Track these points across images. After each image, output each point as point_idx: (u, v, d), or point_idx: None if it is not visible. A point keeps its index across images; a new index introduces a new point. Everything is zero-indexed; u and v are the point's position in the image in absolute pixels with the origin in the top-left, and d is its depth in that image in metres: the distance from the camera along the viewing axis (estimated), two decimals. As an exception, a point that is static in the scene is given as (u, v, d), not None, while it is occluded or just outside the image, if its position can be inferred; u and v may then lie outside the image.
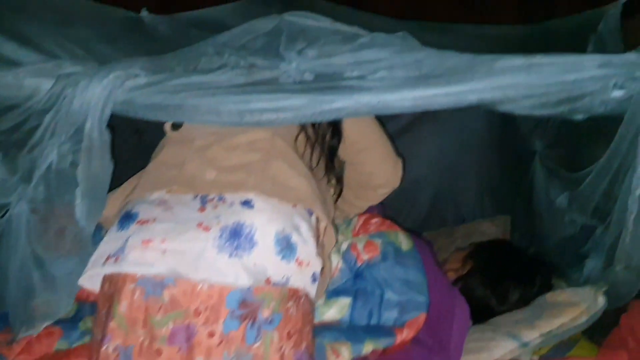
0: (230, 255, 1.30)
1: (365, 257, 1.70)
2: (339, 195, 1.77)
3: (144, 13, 2.04)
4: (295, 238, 1.38)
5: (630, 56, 1.26)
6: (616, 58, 1.26)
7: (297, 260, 1.36)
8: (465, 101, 1.26)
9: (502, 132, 2.72)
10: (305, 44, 1.42)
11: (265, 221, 1.36)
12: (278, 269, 1.33)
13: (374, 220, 1.86)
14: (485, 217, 2.87)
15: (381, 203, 1.96)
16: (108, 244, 1.38)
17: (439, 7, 3.21)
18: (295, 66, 1.36)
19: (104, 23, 1.89)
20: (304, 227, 1.42)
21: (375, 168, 1.74)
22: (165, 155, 1.53)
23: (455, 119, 2.77)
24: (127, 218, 1.40)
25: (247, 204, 1.38)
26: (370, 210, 1.97)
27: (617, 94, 1.27)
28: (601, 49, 1.71)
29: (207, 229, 1.33)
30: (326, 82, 1.34)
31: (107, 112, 1.32)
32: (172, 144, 1.54)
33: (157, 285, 1.28)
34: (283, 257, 1.34)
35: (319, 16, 1.56)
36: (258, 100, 1.29)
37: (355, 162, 1.72)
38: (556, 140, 2.14)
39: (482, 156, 2.87)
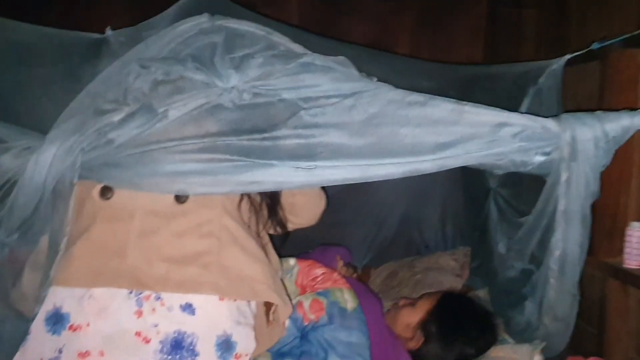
0: None
1: (311, 316, 1.76)
2: (285, 239, 1.70)
3: (109, 32, 1.94)
4: (235, 336, 1.38)
5: (551, 124, 1.33)
6: (539, 121, 1.32)
7: (235, 355, 1.37)
8: (396, 142, 1.33)
9: (464, 167, 2.80)
10: (242, 53, 1.38)
11: (206, 329, 1.34)
12: None
13: (319, 273, 1.89)
14: (448, 244, 2.99)
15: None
16: (38, 346, 1.31)
17: (406, 39, 3.27)
18: (233, 86, 1.33)
19: (67, 52, 1.82)
20: (247, 315, 1.42)
21: (302, 212, 1.68)
22: (98, 235, 1.36)
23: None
24: (56, 319, 1.32)
25: (188, 308, 1.33)
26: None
27: (539, 159, 1.35)
28: (538, 103, 1.78)
29: (146, 340, 1.29)
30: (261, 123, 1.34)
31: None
32: (105, 219, 1.37)
33: None
34: (221, 358, 1.35)
35: (254, 24, 1.48)
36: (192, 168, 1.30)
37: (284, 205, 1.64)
38: (507, 180, 2.23)
39: (447, 187, 2.97)
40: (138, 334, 1.30)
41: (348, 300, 1.81)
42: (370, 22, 3.30)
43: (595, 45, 1.91)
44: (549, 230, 1.59)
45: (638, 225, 1.96)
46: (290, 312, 1.59)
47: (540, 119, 1.38)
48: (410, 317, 1.98)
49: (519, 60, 3.07)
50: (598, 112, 1.38)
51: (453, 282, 2.54)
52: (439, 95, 1.39)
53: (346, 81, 1.40)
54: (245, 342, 1.39)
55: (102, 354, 1.28)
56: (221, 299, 1.36)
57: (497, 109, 1.37)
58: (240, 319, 1.40)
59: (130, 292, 1.32)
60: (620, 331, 2.08)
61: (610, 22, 2.34)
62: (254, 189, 1.39)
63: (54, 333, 1.31)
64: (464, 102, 1.36)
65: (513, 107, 1.92)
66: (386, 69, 2.27)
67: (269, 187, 1.40)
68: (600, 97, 2.18)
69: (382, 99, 1.39)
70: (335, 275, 1.88)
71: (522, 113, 1.41)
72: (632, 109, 2.05)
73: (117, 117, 1.30)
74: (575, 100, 2.40)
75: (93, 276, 1.33)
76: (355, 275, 2.29)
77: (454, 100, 1.37)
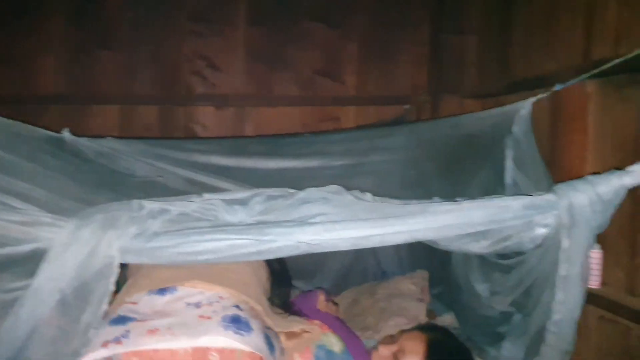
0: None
1: None
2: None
3: (66, 133, 2.09)
4: None
5: (548, 197, 1.39)
6: (537, 199, 1.38)
7: None
8: (402, 239, 1.34)
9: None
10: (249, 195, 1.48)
11: None
12: None
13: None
14: (404, 269, 3.02)
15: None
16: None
17: (353, 68, 3.33)
18: (240, 220, 1.39)
19: (23, 147, 1.86)
20: None
21: None
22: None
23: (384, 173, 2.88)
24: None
25: None
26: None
27: (541, 231, 1.40)
28: (517, 149, 1.85)
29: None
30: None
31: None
32: None
33: None
34: None
35: None
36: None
37: None
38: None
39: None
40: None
41: (334, 343, 1.81)
42: (316, 51, 3.33)
43: (557, 87, 2.01)
44: (538, 283, 1.65)
45: (597, 247, 2.06)
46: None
47: (537, 197, 1.44)
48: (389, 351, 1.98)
49: (463, 86, 3.20)
50: (589, 177, 1.45)
51: (417, 308, 2.57)
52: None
53: (347, 206, 1.47)
54: None
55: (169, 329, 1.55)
56: None
57: (492, 198, 1.41)
58: None
59: None
60: (582, 349, 2.18)
61: (555, 51, 2.47)
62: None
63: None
64: (459, 201, 1.40)
65: (497, 159, 2.03)
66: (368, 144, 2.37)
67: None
68: (552, 126, 2.29)
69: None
70: (317, 322, 1.89)
71: (516, 195, 1.46)
72: (583, 137, 2.22)
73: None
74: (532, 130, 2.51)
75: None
76: (336, 309, 2.29)
77: (449, 201, 1.43)
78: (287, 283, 2.19)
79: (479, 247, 1.46)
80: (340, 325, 2.05)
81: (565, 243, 1.42)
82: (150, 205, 1.40)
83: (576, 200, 1.37)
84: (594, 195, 1.37)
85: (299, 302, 2.36)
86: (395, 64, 3.34)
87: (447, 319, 2.49)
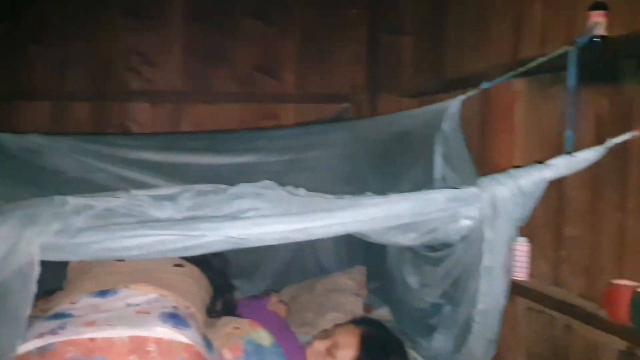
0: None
1: (228, 356, 1.75)
2: None
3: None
4: None
5: (472, 190, 1.43)
6: (461, 192, 1.42)
7: None
8: (332, 232, 1.35)
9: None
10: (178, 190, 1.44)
11: None
12: None
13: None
14: (343, 265, 3.04)
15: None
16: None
17: (292, 64, 3.34)
18: (168, 216, 1.37)
19: None
20: None
21: None
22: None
23: (321, 169, 2.89)
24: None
25: None
26: None
27: (465, 223, 1.44)
28: (446, 145, 1.90)
29: None
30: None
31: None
32: None
33: None
34: None
35: None
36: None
37: None
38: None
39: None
40: None
41: (264, 337, 1.83)
42: (255, 47, 3.32)
43: (484, 85, 2.07)
44: (464, 274, 1.69)
45: (524, 239, 2.14)
46: None
47: (461, 190, 1.48)
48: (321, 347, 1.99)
49: (400, 85, 3.25)
50: (511, 171, 1.49)
51: (354, 302, 2.60)
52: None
53: (279, 201, 1.46)
54: None
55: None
56: None
57: (420, 192, 1.45)
58: None
59: None
60: (510, 339, 2.26)
61: (485, 52, 2.55)
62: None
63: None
64: (387, 196, 1.43)
65: (428, 155, 2.07)
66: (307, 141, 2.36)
67: None
68: (482, 123, 2.37)
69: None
70: (249, 320, 1.91)
71: (441, 189, 1.49)
72: (510, 135, 2.29)
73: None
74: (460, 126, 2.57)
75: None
76: (285, 308, 2.33)
77: (376, 196, 1.44)
78: (230, 292, 2.19)
79: (408, 239, 1.49)
80: (277, 323, 2.06)
81: (488, 234, 1.46)
82: (73, 200, 1.36)
83: (498, 193, 1.42)
84: (516, 188, 1.41)
85: (248, 302, 2.41)
86: (334, 62, 3.37)
87: (382, 313, 2.53)
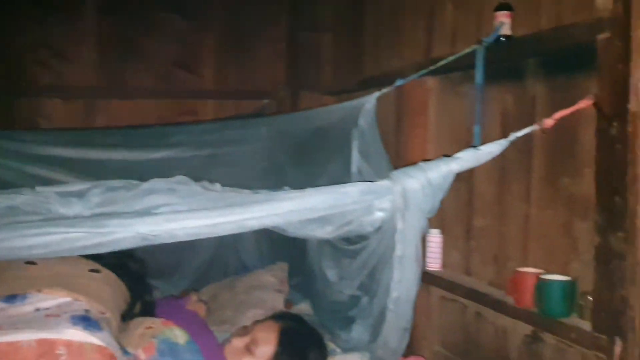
0: None
1: (142, 357, 1.71)
2: None
3: None
4: None
5: (384, 183, 1.47)
6: (374, 185, 1.46)
7: None
8: (246, 227, 1.35)
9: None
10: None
11: None
12: None
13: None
14: (265, 262, 3.04)
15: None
16: None
17: (211, 60, 3.30)
18: (76, 213, 1.32)
19: None
20: None
21: None
22: None
23: (239, 164, 2.87)
24: None
25: None
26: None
27: (379, 215, 1.47)
28: (363, 140, 1.94)
29: None
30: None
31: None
32: None
33: None
34: None
35: None
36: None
37: None
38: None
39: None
40: None
41: (179, 335, 1.80)
42: (172, 42, 3.25)
43: (398, 82, 2.12)
44: (379, 265, 1.74)
45: (436, 231, 2.22)
46: None
47: (374, 183, 1.52)
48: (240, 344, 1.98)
49: (320, 82, 3.29)
50: (421, 164, 1.55)
51: (275, 299, 2.60)
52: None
53: (193, 196, 1.45)
54: None
55: None
56: None
57: (335, 186, 1.47)
58: None
59: None
60: (426, 328, 2.33)
61: (400, 50, 2.62)
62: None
63: None
64: (301, 190, 1.44)
65: (345, 150, 2.11)
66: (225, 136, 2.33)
67: None
68: (397, 119, 2.43)
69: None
70: (163, 319, 1.87)
71: (355, 182, 1.53)
72: (424, 131, 2.37)
73: None
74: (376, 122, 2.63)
75: None
76: (205, 308, 2.31)
77: (291, 190, 1.46)
78: (148, 295, 2.14)
79: (324, 232, 1.51)
80: (195, 322, 2.04)
81: (399, 225, 1.51)
82: (-28, 199, 1.29)
83: (409, 185, 1.47)
84: (425, 181, 1.47)
85: (167, 302, 2.36)
86: (254, 58, 3.35)
87: (303, 308, 2.55)
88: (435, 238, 2.23)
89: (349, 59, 3.15)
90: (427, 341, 2.34)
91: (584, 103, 1.40)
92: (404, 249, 1.54)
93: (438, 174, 1.47)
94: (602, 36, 1.48)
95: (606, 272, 1.46)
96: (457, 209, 2.22)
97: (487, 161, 2.01)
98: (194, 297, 2.35)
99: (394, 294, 1.61)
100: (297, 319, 2.08)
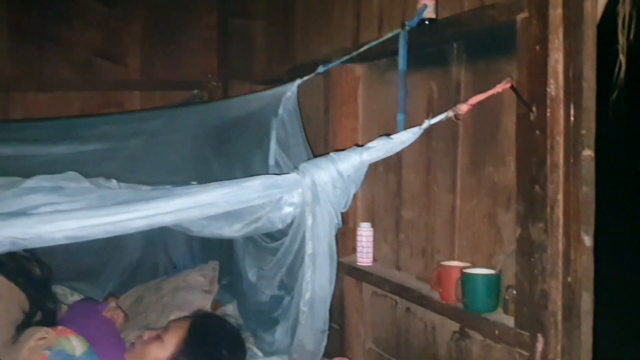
0: None
1: None
2: None
3: None
4: None
5: (292, 176, 1.36)
6: (280, 178, 1.35)
7: None
8: (135, 227, 1.22)
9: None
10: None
11: None
12: None
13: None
14: (196, 260, 2.91)
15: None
16: None
17: (137, 49, 3.13)
18: None
19: None
20: None
21: None
22: None
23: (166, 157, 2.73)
24: None
25: None
26: None
27: (288, 210, 1.37)
28: (283, 130, 1.83)
29: None
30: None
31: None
32: None
33: None
34: None
35: None
36: None
37: None
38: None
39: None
40: None
41: (76, 346, 1.68)
42: (96, 30, 3.06)
43: (320, 69, 2.02)
44: (296, 263, 1.64)
45: (366, 225, 2.13)
46: None
47: (281, 176, 1.42)
48: (160, 353, 1.86)
49: (252, 72, 3.17)
50: (332, 154, 1.45)
51: (202, 300, 2.47)
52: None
53: (82, 194, 1.33)
54: None
55: None
56: None
57: (237, 180, 1.36)
58: None
59: None
60: (358, 324, 2.25)
61: (330, 37, 2.52)
62: None
63: None
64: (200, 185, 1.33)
65: (265, 140, 2.00)
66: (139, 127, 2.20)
67: None
68: (325, 109, 2.33)
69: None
70: (59, 327, 1.74)
71: (260, 175, 1.40)
72: (354, 120, 2.28)
73: None
74: (304, 112, 2.52)
75: None
76: (122, 315, 2.21)
77: (189, 185, 1.35)
78: (51, 302, 1.99)
79: (232, 230, 1.40)
80: (106, 331, 1.92)
81: (309, 220, 1.41)
82: None
83: (318, 178, 1.36)
84: (335, 172, 1.37)
85: (82, 305, 2.26)
86: (183, 47, 3.19)
87: (229, 309, 2.43)
88: (365, 232, 2.14)
89: (281, 47, 3.04)
90: (360, 338, 2.26)
91: (500, 87, 1.32)
92: (316, 246, 1.44)
93: (349, 164, 1.37)
94: (521, 16, 1.40)
95: (527, 265, 1.39)
96: (386, 201, 2.13)
97: (414, 151, 1.96)
98: (112, 304, 2.22)
99: (306, 294, 1.50)
100: (215, 318, 1.99)
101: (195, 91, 3.10)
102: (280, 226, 1.43)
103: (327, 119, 2.31)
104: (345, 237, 2.27)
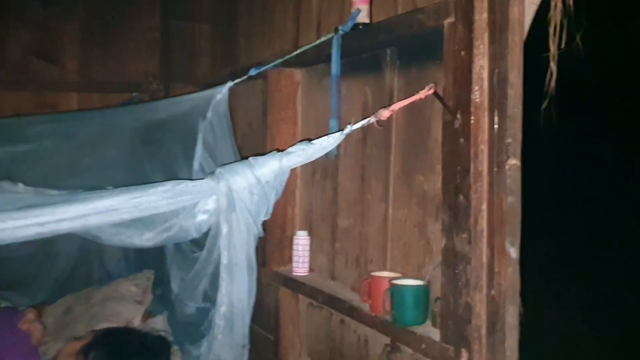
0: None
1: None
2: None
3: None
4: None
5: (205, 182, 1.29)
6: (193, 184, 1.27)
7: None
8: (26, 235, 1.13)
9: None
10: None
11: None
12: None
13: None
14: (131, 269, 2.80)
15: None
16: None
17: (75, 50, 3.02)
18: None
19: None
20: None
21: None
22: None
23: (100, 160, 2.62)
24: None
25: None
26: None
27: (203, 217, 1.29)
28: (211, 134, 1.76)
29: None
30: None
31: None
32: None
33: None
34: None
35: None
36: None
37: None
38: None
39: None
40: None
41: None
42: (31, 29, 2.94)
43: (252, 72, 1.96)
44: (217, 274, 1.56)
45: (303, 233, 2.07)
46: None
47: (194, 181, 1.34)
48: (73, 346, 1.80)
49: (195, 75, 3.08)
50: (250, 159, 1.38)
51: (133, 311, 2.37)
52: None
53: None
54: None
55: None
56: None
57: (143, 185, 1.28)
58: None
59: None
60: (294, 336, 2.18)
61: (271, 40, 2.47)
62: None
63: None
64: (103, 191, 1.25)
65: (191, 144, 1.92)
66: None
67: None
68: (264, 114, 2.27)
69: None
70: None
71: (170, 181, 1.33)
72: (293, 126, 2.23)
73: None
74: (247, 116, 2.46)
75: None
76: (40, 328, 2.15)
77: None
78: None
79: (143, 239, 1.32)
80: (18, 344, 1.81)
81: (224, 229, 1.34)
82: None
83: (234, 184, 1.29)
84: (252, 178, 1.30)
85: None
86: (124, 49, 3.09)
87: (159, 320, 2.33)
88: (302, 240, 2.08)
89: (224, 50, 2.98)
90: (295, 351, 2.19)
91: (423, 93, 1.28)
92: (232, 256, 1.37)
93: (268, 170, 1.30)
94: (447, 21, 1.37)
95: (452, 277, 1.35)
96: (323, 209, 2.08)
97: (350, 158, 1.91)
98: (30, 315, 2.11)
99: (221, 307, 1.42)
100: (131, 331, 1.91)
101: (135, 94, 2.99)
102: (195, 235, 1.36)
103: (265, 124, 2.24)
104: (282, 246, 2.21)
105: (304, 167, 2.14)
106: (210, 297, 1.70)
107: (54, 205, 1.14)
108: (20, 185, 1.31)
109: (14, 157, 1.93)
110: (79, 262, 2.79)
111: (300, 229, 2.13)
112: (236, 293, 1.42)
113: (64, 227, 1.17)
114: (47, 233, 1.17)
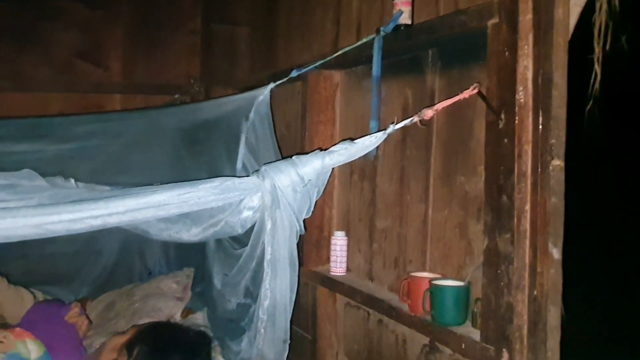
0: None
1: None
2: None
3: None
4: None
5: (251, 179, 1.32)
6: (239, 181, 1.30)
7: None
8: (80, 227, 1.18)
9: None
10: None
11: None
12: None
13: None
14: (171, 267, 2.87)
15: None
16: None
17: (119, 53, 3.10)
18: None
19: None
20: None
21: None
22: None
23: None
24: None
25: None
26: None
27: (248, 213, 1.32)
28: (253, 134, 1.79)
29: None
30: None
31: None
32: None
33: None
34: None
35: None
36: None
37: None
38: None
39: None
40: None
41: (32, 350, 1.65)
42: (77, 32, 3.02)
43: (294, 73, 1.99)
44: (260, 270, 1.59)
45: (341, 234, 2.09)
46: None
47: (240, 179, 1.37)
48: (117, 341, 1.85)
49: (235, 77, 3.13)
50: (294, 158, 1.40)
51: (173, 307, 2.42)
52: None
53: (30, 192, 1.28)
54: None
55: None
56: None
57: (192, 182, 1.32)
58: None
59: None
60: (331, 336, 2.20)
61: (311, 43, 2.49)
62: None
63: None
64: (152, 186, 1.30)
65: (234, 144, 1.96)
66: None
67: None
68: (303, 115, 2.29)
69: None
70: (18, 329, 1.68)
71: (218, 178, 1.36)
72: (331, 127, 2.25)
73: None
74: (285, 118, 2.49)
75: None
76: (86, 322, 2.20)
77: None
78: None
79: (191, 234, 1.36)
80: (66, 335, 1.87)
81: (268, 225, 1.36)
82: None
83: (278, 181, 1.32)
84: (296, 176, 1.33)
85: (45, 307, 2.22)
86: (166, 52, 3.16)
87: (199, 317, 2.38)
88: (339, 241, 2.10)
89: (263, 53, 3.02)
90: (332, 350, 2.21)
91: (467, 93, 1.29)
92: (275, 252, 1.39)
93: (311, 168, 1.32)
94: (491, 22, 1.37)
95: (494, 277, 1.35)
96: (361, 210, 2.09)
97: (389, 159, 1.93)
98: (75, 309, 2.17)
99: (265, 301, 1.45)
100: (174, 325, 1.95)
101: (177, 95, 3.07)
102: (240, 231, 1.39)
103: (304, 126, 2.27)
104: (319, 246, 2.23)
105: (342, 168, 2.17)
106: (251, 292, 1.73)
107: (107, 200, 1.18)
108: (72, 181, 1.36)
109: (64, 154, 1.99)
110: (121, 259, 2.88)
111: (338, 230, 2.15)
112: (279, 288, 1.45)
113: (115, 220, 1.21)
114: (99, 226, 1.21)
